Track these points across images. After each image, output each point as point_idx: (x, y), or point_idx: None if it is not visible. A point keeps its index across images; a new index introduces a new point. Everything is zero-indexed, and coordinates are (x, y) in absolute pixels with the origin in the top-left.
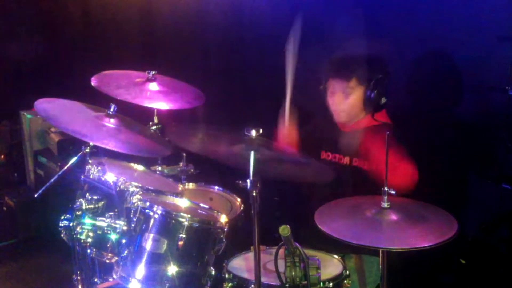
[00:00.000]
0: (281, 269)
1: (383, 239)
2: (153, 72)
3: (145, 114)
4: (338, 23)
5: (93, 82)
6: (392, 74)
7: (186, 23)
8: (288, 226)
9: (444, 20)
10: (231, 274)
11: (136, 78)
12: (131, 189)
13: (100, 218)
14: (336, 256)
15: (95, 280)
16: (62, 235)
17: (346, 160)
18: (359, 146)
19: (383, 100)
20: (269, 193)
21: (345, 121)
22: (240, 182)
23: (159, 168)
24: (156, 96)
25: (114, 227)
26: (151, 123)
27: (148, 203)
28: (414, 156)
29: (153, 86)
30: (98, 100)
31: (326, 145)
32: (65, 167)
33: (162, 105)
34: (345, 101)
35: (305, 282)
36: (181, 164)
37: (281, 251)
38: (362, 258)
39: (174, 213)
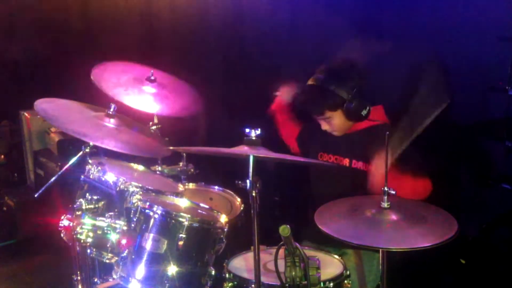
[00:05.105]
0: (281, 269)
1: (383, 239)
2: (152, 72)
3: (145, 114)
4: (336, 23)
5: (93, 75)
6: (392, 74)
7: (186, 23)
8: (288, 226)
9: (444, 20)
10: (231, 274)
11: (136, 74)
12: (131, 189)
13: (100, 218)
14: (336, 256)
15: (95, 280)
16: (62, 235)
17: (345, 161)
18: (358, 148)
19: (366, 110)
20: (269, 193)
21: (342, 134)
22: (240, 182)
23: (159, 168)
24: (155, 99)
25: (114, 227)
26: (151, 123)
27: (148, 203)
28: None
29: (153, 87)
30: (98, 100)
31: (326, 147)
32: (65, 167)
33: (160, 109)
34: (331, 124)
35: (305, 282)
36: (181, 164)
37: (281, 251)
38: (362, 257)
39: (174, 213)
